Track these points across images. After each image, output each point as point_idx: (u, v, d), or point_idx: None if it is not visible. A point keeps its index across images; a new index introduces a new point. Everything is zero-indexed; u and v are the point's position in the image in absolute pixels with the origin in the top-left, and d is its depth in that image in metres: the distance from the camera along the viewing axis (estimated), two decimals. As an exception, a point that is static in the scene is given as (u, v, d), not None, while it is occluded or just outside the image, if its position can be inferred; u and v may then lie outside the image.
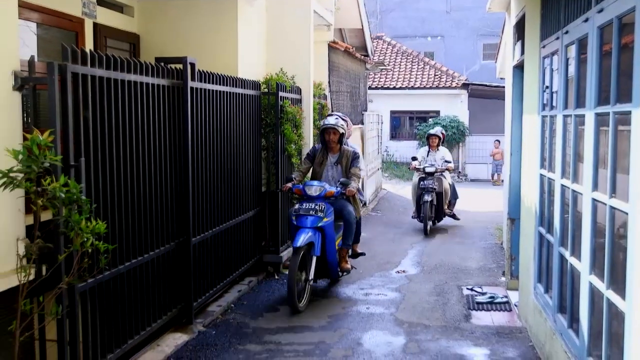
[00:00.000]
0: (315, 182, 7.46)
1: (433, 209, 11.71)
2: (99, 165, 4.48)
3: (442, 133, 12.64)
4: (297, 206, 7.23)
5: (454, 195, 12.60)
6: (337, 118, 7.79)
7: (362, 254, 8.48)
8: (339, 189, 7.34)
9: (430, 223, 11.73)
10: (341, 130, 7.65)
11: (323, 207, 7.09)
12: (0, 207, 3.77)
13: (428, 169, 11.82)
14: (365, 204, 13.37)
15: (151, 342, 5.52)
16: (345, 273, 7.83)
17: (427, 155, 12.29)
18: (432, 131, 12.65)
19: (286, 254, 8.37)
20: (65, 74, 4.06)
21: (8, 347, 3.74)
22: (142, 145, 5.15)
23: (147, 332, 5.31)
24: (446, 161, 12.08)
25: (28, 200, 3.71)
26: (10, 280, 3.74)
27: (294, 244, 6.79)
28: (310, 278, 7.02)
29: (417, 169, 12.08)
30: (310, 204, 7.11)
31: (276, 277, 8.19)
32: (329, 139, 7.67)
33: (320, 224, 7.02)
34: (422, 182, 11.72)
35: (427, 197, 11.47)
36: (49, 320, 3.94)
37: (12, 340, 3.61)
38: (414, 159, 12.21)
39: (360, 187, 7.93)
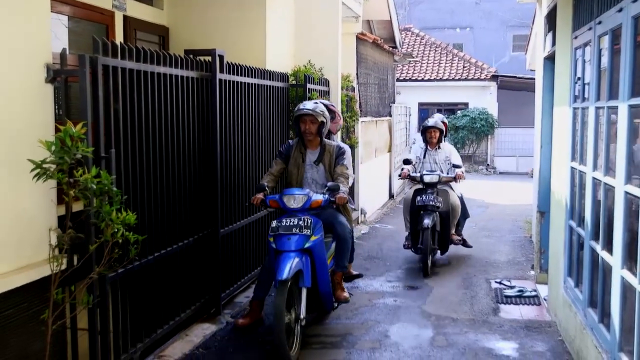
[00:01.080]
0: (296, 190, 5.72)
1: (436, 236, 8.20)
2: (129, 157, 4.52)
3: (443, 123, 8.90)
4: (274, 224, 5.52)
5: (464, 214, 9.08)
6: (316, 102, 6.14)
7: (359, 275, 7.36)
8: (326, 196, 5.69)
9: (431, 257, 8.20)
10: (320, 119, 5.97)
11: (309, 222, 5.45)
12: (34, 198, 3.83)
13: (428, 178, 8.22)
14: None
15: (180, 332, 5.57)
16: (340, 303, 6.16)
17: (424, 156, 8.74)
18: (429, 122, 8.77)
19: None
20: (96, 66, 4.10)
21: (41, 336, 3.81)
22: (171, 137, 5.19)
23: (175, 322, 5.36)
24: (454, 165, 8.51)
25: (60, 191, 3.76)
26: (43, 269, 3.80)
27: (277, 277, 5.08)
28: (302, 317, 5.39)
29: (412, 178, 8.50)
30: (293, 220, 5.44)
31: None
32: (305, 129, 6.00)
33: (307, 245, 5.39)
34: (419, 198, 8.10)
35: (427, 221, 7.82)
36: (80, 309, 4.00)
37: (44, 328, 3.67)
38: (407, 162, 8.50)
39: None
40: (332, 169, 6.04)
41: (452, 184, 8.67)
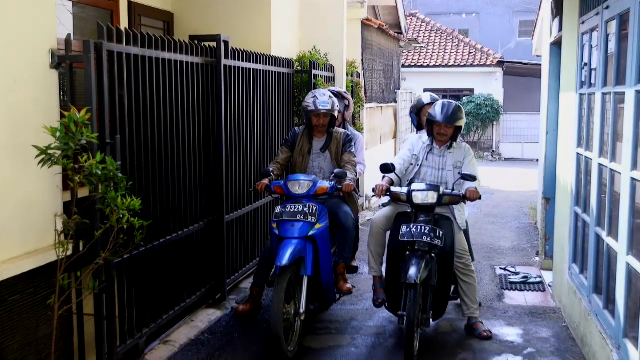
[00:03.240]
0: (302, 176, 5.56)
1: (429, 299, 5.06)
2: (134, 142, 4.52)
3: (455, 113, 5.39)
4: (278, 209, 5.34)
5: (470, 254, 5.73)
6: (330, 97, 5.82)
7: (356, 268, 6.61)
8: (332, 183, 5.49)
9: (419, 332, 5.03)
10: (336, 114, 5.89)
11: (314, 209, 5.26)
12: (39, 184, 3.84)
13: (421, 197, 5.11)
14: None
15: (185, 318, 5.60)
16: (342, 295, 5.90)
17: (427, 158, 5.52)
18: (437, 111, 5.40)
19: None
20: (101, 52, 4.09)
21: (47, 321, 3.83)
22: (176, 123, 5.19)
23: (181, 307, 5.38)
24: (464, 177, 5.22)
25: (65, 177, 3.77)
26: (49, 255, 3.82)
27: (277, 263, 4.91)
28: (301, 311, 5.12)
29: (394, 197, 5.28)
30: (297, 206, 5.26)
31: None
32: (318, 123, 5.84)
33: (311, 233, 5.20)
34: (405, 229, 5.03)
35: (415, 271, 4.75)
36: (86, 294, 4.02)
37: (51, 314, 3.70)
38: (387, 169, 5.22)
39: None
40: (340, 156, 5.86)
41: (461, 206, 5.54)
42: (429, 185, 5.22)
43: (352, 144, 5.96)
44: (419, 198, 5.10)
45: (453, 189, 5.27)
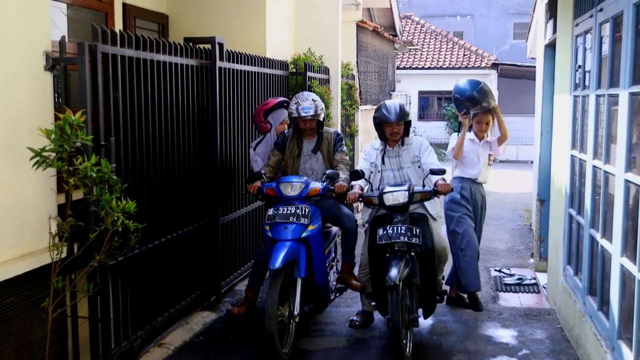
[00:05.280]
0: (294, 178, 5.52)
1: (415, 297, 5.16)
2: (128, 145, 4.52)
3: (402, 109, 5.58)
4: (271, 212, 5.31)
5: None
6: (314, 100, 5.72)
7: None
8: (325, 184, 5.43)
9: (409, 333, 5.08)
10: (322, 117, 5.78)
11: (307, 210, 5.25)
12: (33, 186, 3.82)
13: (390, 198, 5.17)
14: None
15: (180, 320, 5.59)
16: (337, 294, 6.02)
17: (383, 161, 5.61)
18: (390, 112, 5.52)
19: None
20: (96, 54, 4.08)
21: (41, 324, 3.82)
22: (171, 125, 5.18)
23: (176, 310, 5.37)
24: (432, 172, 5.29)
25: (60, 179, 3.76)
26: (43, 257, 3.80)
27: (270, 265, 4.90)
28: (296, 313, 5.10)
29: (366, 201, 5.35)
30: (290, 208, 5.25)
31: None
32: (305, 127, 5.78)
33: (304, 234, 5.19)
34: (381, 232, 5.11)
35: (394, 272, 4.79)
36: (80, 297, 4.01)
37: (45, 316, 3.69)
38: (356, 175, 5.34)
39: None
40: (331, 156, 5.80)
41: (431, 202, 5.50)
42: (398, 185, 5.31)
43: (343, 142, 5.88)
44: (390, 199, 5.16)
45: (424, 185, 5.37)
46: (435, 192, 5.25)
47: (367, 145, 6.06)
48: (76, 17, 6.27)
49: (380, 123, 5.57)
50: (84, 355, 4.27)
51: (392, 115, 5.49)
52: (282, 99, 6.37)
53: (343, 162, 5.70)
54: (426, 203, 5.45)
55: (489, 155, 6.61)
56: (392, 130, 5.53)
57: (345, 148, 5.89)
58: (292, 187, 5.40)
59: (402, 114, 5.51)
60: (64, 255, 3.79)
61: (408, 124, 5.61)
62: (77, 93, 4.05)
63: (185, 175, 5.46)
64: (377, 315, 5.91)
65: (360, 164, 5.74)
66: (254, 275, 5.84)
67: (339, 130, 6.08)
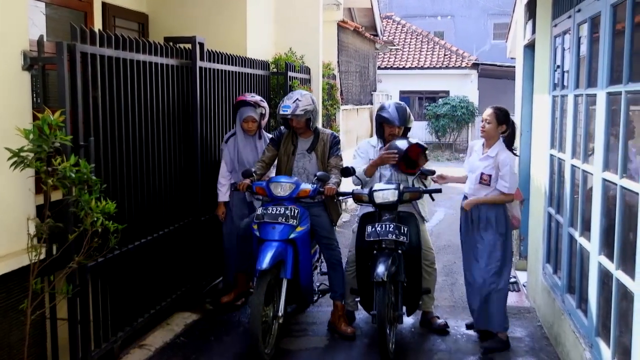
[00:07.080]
0: (284, 178, 5.43)
1: (399, 295, 5.23)
2: (108, 145, 4.49)
3: (407, 115, 5.71)
4: (260, 211, 5.26)
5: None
6: (297, 100, 5.56)
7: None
8: (315, 186, 5.34)
9: (394, 331, 5.19)
10: (303, 119, 5.57)
11: (296, 211, 5.19)
12: (11, 187, 3.79)
13: (381, 196, 5.23)
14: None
15: (161, 322, 5.56)
16: (320, 295, 5.99)
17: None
18: (390, 113, 5.62)
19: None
20: (75, 53, 4.05)
21: (20, 326, 3.79)
22: (152, 125, 5.15)
23: (156, 311, 5.34)
24: (425, 172, 5.41)
25: (38, 180, 3.73)
26: (22, 259, 3.77)
27: (257, 266, 4.86)
28: (280, 314, 5.09)
29: (356, 198, 5.45)
30: (279, 208, 5.18)
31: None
32: (292, 125, 5.67)
33: (292, 235, 5.15)
34: (370, 229, 5.17)
35: (383, 269, 4.86)
36: (59, 299, 3.98)
37: (23, 318, 3.65)
38: (347, 172, 5.35)
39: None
40: (326, 158, 5.68)
41: (421, 202, 5.67)
42: (389, 184, 5.34)
43: (339, 146, 5.79)
44: (380, 197, 5.21)
45: (413, 185, 5.46)
46: (419, 192, 5.33)
47: (363, 141, 6.12)
48: (55, 16, 6.21)
49: (382, 122, 5.65)
50: (63, 357, 4.24)
51: (397, 120, 5.57)
52: (249, 97, 6.21)
53: (337, 167, 5.59)
54: (416, 202, 5.54)
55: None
56: (393, 132, 5.61)
57: (341, 153, 5.78)
58: (282, 188, 5.34)
59: (406, 120, 5.64)
60: (42, 256, 3.76)
61: (408, 129, 5.73)
62: (56, 93, 4.01)
63: (165, 175, 5.43)
64: (358, 315, 5.92)
65: (355, 161, 5.76)
66: (240, 257, 5.83)
67: (336, 133, 6.00)
